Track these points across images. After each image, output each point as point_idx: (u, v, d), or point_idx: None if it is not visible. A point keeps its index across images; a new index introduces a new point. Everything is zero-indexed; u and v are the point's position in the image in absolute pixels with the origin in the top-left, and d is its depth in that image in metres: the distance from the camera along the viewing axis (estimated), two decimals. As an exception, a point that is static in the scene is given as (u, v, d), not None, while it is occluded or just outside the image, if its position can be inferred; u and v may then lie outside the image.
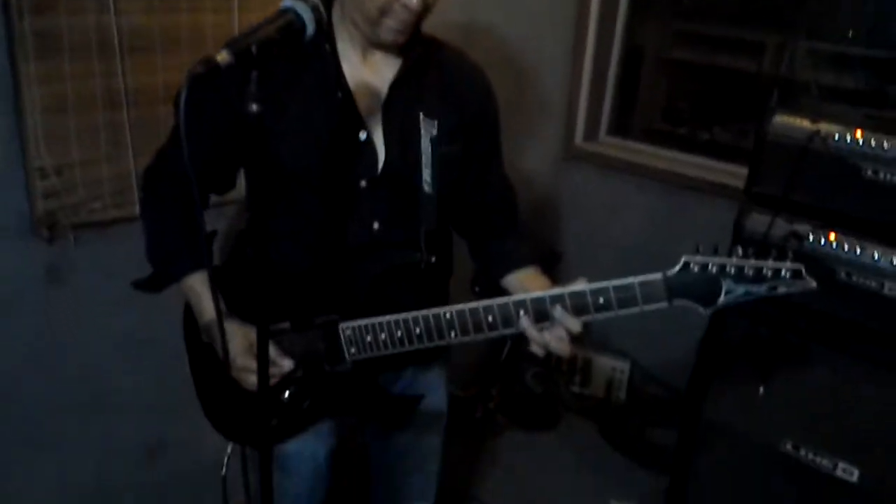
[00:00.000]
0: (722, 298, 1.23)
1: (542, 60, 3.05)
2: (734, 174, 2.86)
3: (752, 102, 3.15)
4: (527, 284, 1.50)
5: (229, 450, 1.59)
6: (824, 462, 2.24)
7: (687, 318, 2.63)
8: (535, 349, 1.34)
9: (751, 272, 1.21)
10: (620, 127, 3.43)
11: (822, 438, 2.24)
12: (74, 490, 2.13)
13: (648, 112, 3.50)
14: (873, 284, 2.06)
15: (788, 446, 2.30)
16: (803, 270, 1.20)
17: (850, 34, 2.86)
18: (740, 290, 1.22)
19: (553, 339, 1.31)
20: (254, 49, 0.97)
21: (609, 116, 3.38)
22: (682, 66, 3.41)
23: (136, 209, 1.94)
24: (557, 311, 1.29)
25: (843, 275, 2.10)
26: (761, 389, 2.29)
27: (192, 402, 2.18)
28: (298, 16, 1.04)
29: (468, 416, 3.21)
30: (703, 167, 3.05)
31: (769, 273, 1.21)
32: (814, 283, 1.21)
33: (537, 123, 3.15)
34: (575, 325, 1.30)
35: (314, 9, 1.05)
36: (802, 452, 2.28)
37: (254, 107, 0.97)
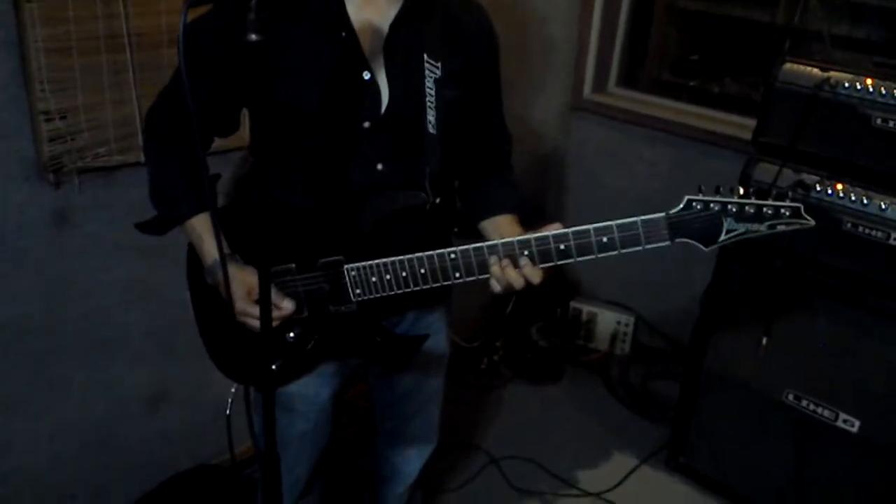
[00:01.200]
0: (723, 236, 1.23)
1: (551, 9, 3.01)
2: (744, 126, 2.83)
3: (764, 54, 3.10)
4: (501, 230, 1.51)
5: (233, 390, 1.61)
6: (825, 413, 2.26)
7: (691, 271, 2.67)
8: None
9: (751, 211, 1.21)
10: (630, 78, 3.39)
11: (823, 389, 2.26)
12: (83, 430, 2.17)
13: (659, 63, 3.45)
14: (879, 234, 2.05)
15: (790, 397, 2.32)
16: (802, 209, 1.21)
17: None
18: (741, 228, 1.22)
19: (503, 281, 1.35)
20: None
21: (618, 67, 3.34)
22: (694, 16, 3.35)
23: (141, 155, 1.94)
24: (560, 251, 1.30)
25: (848, 225, 2.10)
26: (764, 340, 2.30)
27: (196, 348, 2.21)
28: (298, -54, 1.02)
29: (473, 367, 3.24)
30: (712, 119, 3.02)
31: (769, 212, 1.21)
32: (812, 222, 1.21)
33: (546, 74, 3.12)
34: (534, 275, 1.34)
35: None
36: (804, 403, 2.30)
37: (253, 36, 0.97)
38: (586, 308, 3.42)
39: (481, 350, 3.30)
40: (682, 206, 1.25)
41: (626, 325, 3.38)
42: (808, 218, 1.22)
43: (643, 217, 1.26)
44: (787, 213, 1.22)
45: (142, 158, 1.94)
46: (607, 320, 3.40)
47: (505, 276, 1.34)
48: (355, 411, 2.39)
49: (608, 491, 2.65)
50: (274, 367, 1.48)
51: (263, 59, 1.01)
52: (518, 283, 1.35)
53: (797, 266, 2.20)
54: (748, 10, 3.19)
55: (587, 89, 3.27)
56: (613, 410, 3.09)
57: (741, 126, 2.86)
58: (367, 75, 1.38)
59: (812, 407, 2.28)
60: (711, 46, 3.41)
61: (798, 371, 2.30)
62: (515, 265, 1.34)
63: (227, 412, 1.59)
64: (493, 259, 1.34)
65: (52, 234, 1.92)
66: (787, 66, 2.16)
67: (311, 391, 1.60)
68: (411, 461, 1.89)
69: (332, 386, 1.63)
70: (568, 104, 3.28)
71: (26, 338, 1.96)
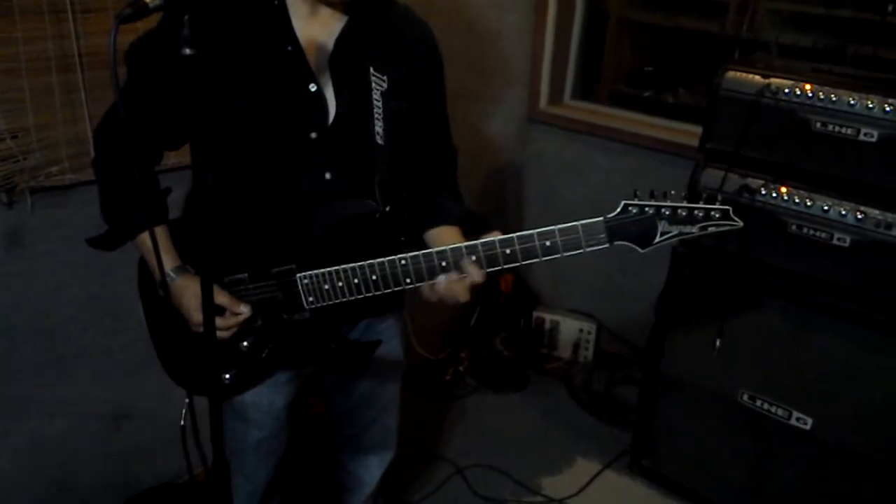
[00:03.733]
0: (657, 238, 1.28)
1: (505, 24, 3.06)
2: (697, 135, 2.88)
3: (715, 64, 3.18)
4: (444, 241, 1.53)
5: (187, 401, 1.61)
6: (779, 412, 2.31)
7: (649, 278, 2.71)
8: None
9: (683, 213, 1.26)
10: (585, 90, 3.46)
11: (776, 389, 2.31)
12: (44, 450, 2.15)
13: (613, 75, 3.52)
14: (823, 235, 2.11)
15: (745, 397, 2.37)
16: (731, 211, 1.26)
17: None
18: (674, 230, 1.27)
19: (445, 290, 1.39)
20: None
21: (573, 80, 3.40)
22: (646, 28, 3.42)
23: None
24: (506, 255, 1.33)
25: (794, 227, 2.15)
26: (717, 343, 2.35)
27: (156, 364, 2.20)
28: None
29: (439, 379, 3.27)
30: (665, 128, 3.09)
31: (700, 214, 1.26)
32: (740, 223, 1.27)
33: (501, 87, 3.17)
34: (478, 275, 1.36)
35: None
36: (758, 403, 2.35)
37: (187, 50, 0.99)
38: (549, 317, 3.46)
39: (446, 362, 3.33)
40: (618, 210, 1.29)
41: (589, 332, 3.42)
42: (737, 219, 1.27)
43: (583, 221, 1.30)
44: (717, 215, 1.27)
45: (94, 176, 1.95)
46: (570, 328, 3.44)
47: (452, 290, 1.38)
48: (316, 427, 2.39)
49: (572, 496, 2.68)
50: (228, 376, 1.50)
51: (201, 72, 1.03)
52: (464, 295, 1.38)
53: (747, 268, 2.26)
54: (699, 22, 3.26)
55: (543, 101, 3.32)
56: (577, 417, 3.12)
57: (694, 134, 2.89)
58: (313, 87, 1.41)
59: (766, 406, 2.33)
60: (664, 58, 3.48)
61: (752, 371, 2.35)
62: (461, 271, 1.36)
63: (182, 423, 1.59)
64: (441, 276, 1.37)
65: (5, 255, 1.92)
66: (730, 73, 2.22)
67: (265, 400, 1.61)
68: (371, 469, 1.90)
69: (286, 395, 1.64)
70: (525, 116, 3.33)
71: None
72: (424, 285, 1.39)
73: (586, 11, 3.31)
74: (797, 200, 2.13)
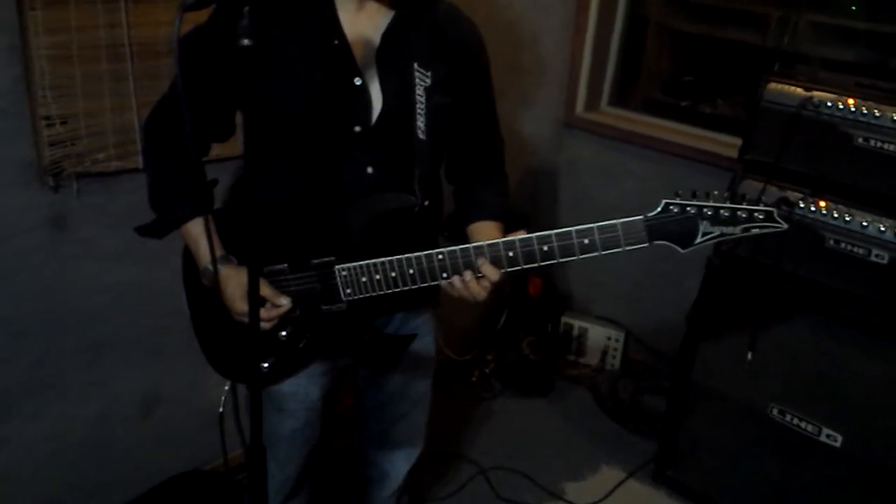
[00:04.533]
0: (699, 239, 1.27)
1: (545, 27, 3.07)
2: (733, 145, 2.85)
3: (755, 75, 3.16)
4: (484, 236, 1.54)
5: (227, 388, 1.64)
6: (809, 427, 2.29)
7: (680, 287, 2.70)
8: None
9: (726, 214, 1.26)
10: (622, 97, 3.45)
11: (807, 404, 2.29)
12: (77, 431, 2.19)
13: (651, 83, 3.51)
14: (861, 251, 2.09)
15: (775, 411, 2.35)
16: (775, 213, 1.25)
17: (853, 7, 2.87)
18: (716, 231, 1.27)
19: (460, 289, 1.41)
20: None
21: (611, 86, 3.40)
22: (687, 37, 3.41)
23: (139, 161, 1.99)
24: (544, 252, 1.34)
25: (831, 242, 2.14)
26: (749, 355, 2.33)
27: (189, 352, 2.23)
28: (290, -45, 1.08)
29: (464, 380, 3.27)
30: (702, 138, 3.07)
31: (743, 215, 1.25)
32: (785, 226, 1.25)
33: (539, 90, 3.18)
34: (493, 274, 1.38)
35: None
36: (788, 417, 2.32)
37: (245, 41, 1.01)
38: (577, 323, 3.45)
39: (473, 363, 3.33)
40: (659, 208, 1.29)
41: (617, 340, 3.41)
42: (781, 221, 1.26)
43: (622, 219, 1.30)
44: (761, 217, 1.26)
45: (139, 165, 1.98)
46: (598, 335, 3.43)
47: (468, 288, 1.40)
48: (344, 420, 2.41)
49: (595, 503, 2.67)
50: (266, 364, 1.53)
51: (255, 63, 1.05)
52: (480, 294, 1.40)
53: (782, 281, 2.24)
54: (739, 33, 3.24)
55: (580, 107, 3.32)
56: (602, 424, 3.11)
57: (730, 145, 2.91)
58: (358, 81, 1.43)
59: (796, 421, 2.31)
60: (704, 67, 3.47)
61: (782, 385, 2.33)
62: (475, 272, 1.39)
63: (220, 410, 1.61)
64: (454, 276, 1.40)
65: (50, 238, 1.96)
66: (772, 85, 2.21)
67: (301, 390, 1.64)
68: (398, 464, 1.92)
69: (321, 385, 1.67)
70: (560, 121, 3.34)
71: (22, 339, 1.99)
72: (443, 283, 1.40)
73: (627, 18, 3.31)
74: (836, 215, 2.12)
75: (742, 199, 1.27)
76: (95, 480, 2.27)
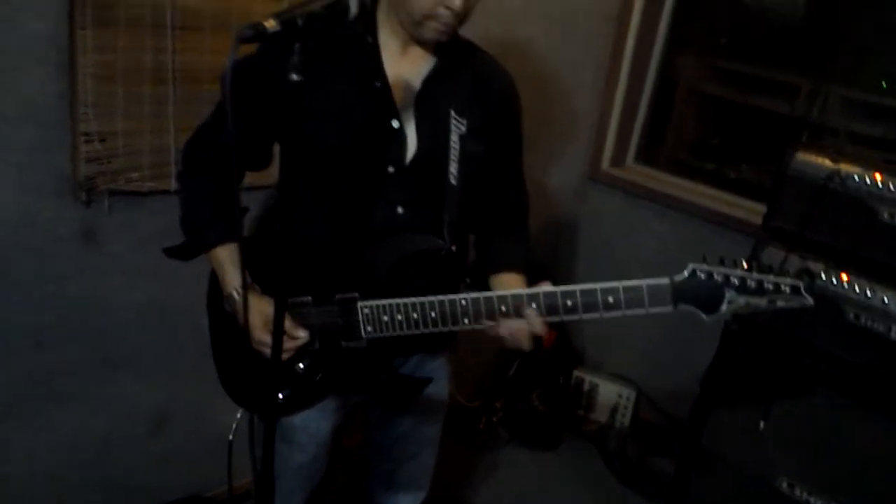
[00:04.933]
0: (724, 307, 1.27)
1: (577, 81, 3.12)
2: (756, 211, 2.87)
3: (781, 144, 3.17)
4: (507, 285, 1.55)
5: (238, 416, 1.64)
6: (818, 503, 2.25)
7: (695, 349, 2.69)
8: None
9: (753, 284, 1.26)
10: (648, 155, 3.47)
11: (817, 479, 2.25)
12: (83, 446, 2.19)
13: (677, 144, 3.53)
14: (881, 328, 2.07)
15: (784, 484, 2.31)
16: (802, 287, 1.25)
17: (884, 85, 2.90)
18: (741, 300, 1.26)
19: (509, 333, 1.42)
20: (300, 21, 1.04)
21: (638, 144, 3.42)
22: (715, 101, 3.44)
23: (172, 183, 2.02)
24: (567, 307, 1.35)
25: (851, 316, 2.12)
26: (762, 425, 2.30)
27: (202, 376, 2.23)
28: (344, -4, 1.11)
29: (472, 427, 3.25)
30: (726, 202, 3.08)
31: (770, 287, 1.26)
32: (811, 301, 1.25)
33: (566, 143, 3.21)
34: (538, 325, 1.39)
35: None
36: (797, 492, 2.28)
37: (294, 76, 1.04)
38: (589, 378, 3.43)
39: (481, 410, 3.31)
40: (686, 273, 1.29)
41: (628, 398, 3.38)
42: (808, 296, 1.26)
43: (648, 281, 1.31)
44: (788, 290, 1.26)
45: (172, 187, 2.02)
46: (609, 392, 3.40)
47: (515, 336, 1.41)
48: (351, 457, 2.39)
49: (596, 563, 2.63)
50: (281, 395, 1.53)
51: (300, 98, 1.08)
52: (526, 343, 1.41)
53: (799, 352, 2.22)
54: (769, 101, 3.27)
55: (606, 162, 3.35)
56: (608, 483, 3.07)
57: (753, 211, 2.92)
58: (395, 123, 1.46)
59: (805, 496, 2.27)
60: (730, 132, 3.49)
61: (794, 458, 2.29)
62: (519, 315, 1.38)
63: (231, 437, 1.62)
64: (505, 321, 1.40)
65: (78, 251, 1.99)
66: (800, 154, 2.22)
67: (312, 424, 1.63)
68: (402, 507, 1.90)
69: (333, 420, 1.66)
70: (586, 174, 3.36)
71: (40, 348, 2.01)
72: (488, 324, 1.41)
73: (657, 78, 3.34)
74: (857, 289, 2.10)
75: (769, 271, 1.27)
76: (94, 497, 2.26)
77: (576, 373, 3.45)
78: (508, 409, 3.32)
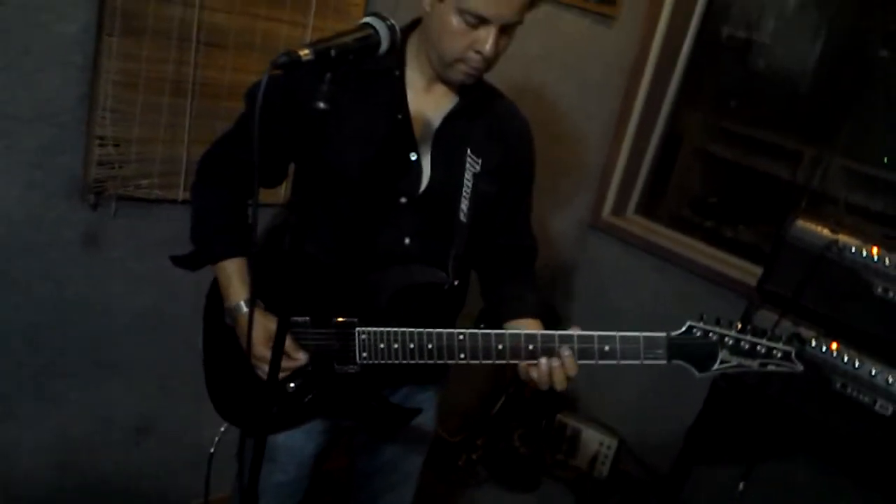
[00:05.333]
0: (716, 366, 1.30)
1: (586, 129, 3.16)
2: (750, 273, 2.92)
3: (780, 208, 3.22)
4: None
5: (223, 429, 1.64)
6: (792, 570, 2.25)
7: (681, 404, 2.70)
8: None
9: (746, 346, 1.29)
10: (649, 208, 3.51)
11: (794, 545, 2.25)
12: (63, 449, 2.18)
13: (678, 199, 3.58)
14: (866, 399, 2.09)
15: (760, 546, 2.31)
16: (793, 353, 1.28)
17: (885, 160, 2.95)
18: (734, 361, 1.29)
19: (544, 374, 1.41)
20: (333, 52, 1.07)
21: (640, 195, 3.47)
22: (718, 160, 3.49)
23: (181, 193, 2.05)
24: (565, 351, 1.36)
25: (838, 385, 2.14)
26: (741, 485, 2.31)
27: (190, 388, 2.22)
28: (376, 32, 1.15)
29: (451, 462, 3.23)
30: (721, 260, 3.11)
31: (762, 350, 1.29)
32: (801, 367, 1.29)
33: (570, 189, 3.25)
34: (573, 367, 1.37)
35: (391, 29, 1.16)
36: (773, 555, 2.28)
37: (321, 104, 1.07)
38: (572, 423, 3.43)
39: (461, 446, 3.30)
40: (683, 329, 1.32)
41: (609, 447, 3.37)
42: (797, 363, 1.29)
43: (646, 333, 1.33)
44: (779, 355, 1.29)
45: (180, 197, 2.04)
46: (591, 439, 3.40)
47: (552, 375, 1.43)
48: (332, 480, 2.38)
49: None
50: (275, 409, 1.53)
51: (324, 126, 1.10)
52: (561, 383, 1.43)
53: (785, 416, 2.24)
54: (771, 165, 3.32)
55: (607, 211, 3.39)
56: (583, 531, 3.06)
57: (747, 271, 2.95)
58: (413, 156, 1.49)
59: (780, 561, 2.27)
60: (731, 192, 3.54)
61: (771, 521, 2.30)
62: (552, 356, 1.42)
63: (212, 450, 1.61)
64: (543, 359, 1.42)
65: (80, 253, 2.00)
66: (800, 222, 2.25)
67: (296, 445, 1.63)
68: (378, 536, 1.89)
69: (317, 443, 1.66)
70: (587, 221, 3.40)
71: (31, 347, 2.01)
72: (523, 364, 1.43)
73: (664, 133, 3.39)
74: (846, 359, 2.13)
75: (762, 335, 1.30)
76: (70, 500, 2.25)
77: (559, 417, 3.45)
78: (489, 448, 3.32)
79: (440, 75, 1.49)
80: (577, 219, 3.37)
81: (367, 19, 1.16)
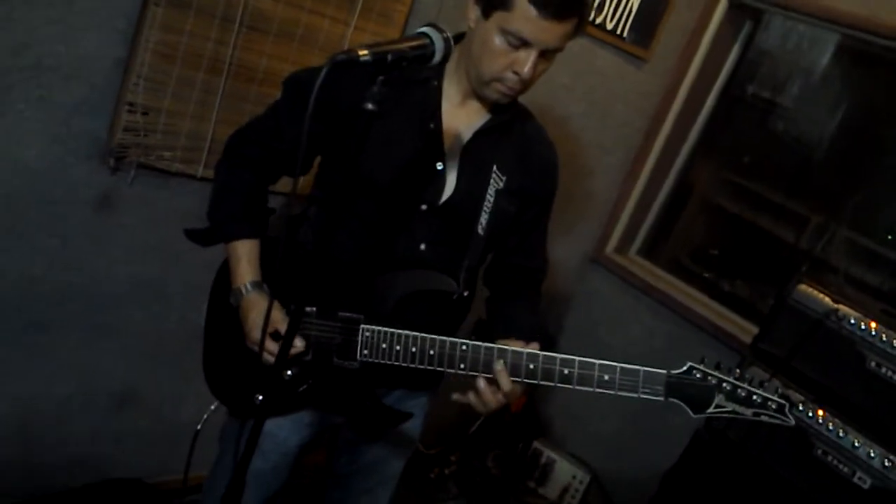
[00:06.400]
0: (711, 409, 1.32)
1: (602, 165, 3.20)
2: (744, 328, 2.96)
3: (780, 269, 3.25)
4: None
5: (213, 408, 1.65)
6: None
7: (660, 447, 2.71)
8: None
9: (743, 394, 1.31)
10: (651, 250, 3.54)
11: None
12: (44, 405, 2.18)
13: (681, 246, 3.61)
14: (846, 470, 2.11)
15: None
16: (787, 407, 1.30)
17: (889, 237, 2.99)
18: (729, 406, 1.32)
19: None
20: (389, 57, 1.10)
21: (644, 237, 3.50)
22: (725, 214, 3.53)
23: (200, 170, 2.06)
24: (563, 375, 1.38)
25: (820, 451, 2.16)
26: (711, 538, 2.32)
27: (178, 364, 2.23)
28: (432, 42, 1.17)
29: (422, 473, 3.23)
30: (716, 312, 3.14)
31: (757, 400, 1.32)
32: (792, 421, 1.31)
33: (578, 221, 3.27)
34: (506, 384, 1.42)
35: (446, 41, 1.19)
36: None
37: (370, 105, 1.09)
38: (548, 452, 3.43)
39: (435, 459, 3.30)
40: (683, 369, 1.34)
41: (581, 481, 3.37)
42: (790, 416, 1.32)
43: (646, 368, 1.35)
44: (774, 407, 1.31)
45: (199, 173, 2.05)
46: (564, 470, 3.40)
47: (480, 397, 1.45)
48: (308, 473, 2.38)
49: None
50: (260, 397, 1.54)
51: (367, 126, 1.13)
52: (490, 402, 1.44)
53: (762, 474, 2.25)
54: (777, 226, 3.36)
55: (610, 247, 3.41)
56: (544, 561, 3.06)
57: (741, 327, 2.98)
58: (440, 166, 1.51)
59: None
60: (734, 246, 3.57)
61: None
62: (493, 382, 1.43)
63: (198, 427, 1.62)
64: (498, 364, 1.41)
65: (91, 214, 2.01)
66: (802, 286, 2.28)
67: (281, 433, 1.64)
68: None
69: (302, 435, 1.67)
70: (589, 255, 3.42)
71: (27, 299, 2.01)
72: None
73: (676, 179, 3.43)
74: (830, 427, 2.15)
75: (760, 385, 1.32)
76: (42, 454, 2.24)
77: (536, 443, 3.45)
78: (462, 465, 3.32)
79: (476, 91, 1.51)
80: (581, 250, 3.39)
81: (425, 29, 1.19)
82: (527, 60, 1.40)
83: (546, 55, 1.43)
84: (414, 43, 1.16)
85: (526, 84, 1.45)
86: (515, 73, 1.41)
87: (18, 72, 1.76)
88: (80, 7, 1.78)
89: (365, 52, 1.08)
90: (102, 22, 1.82)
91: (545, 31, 1.38)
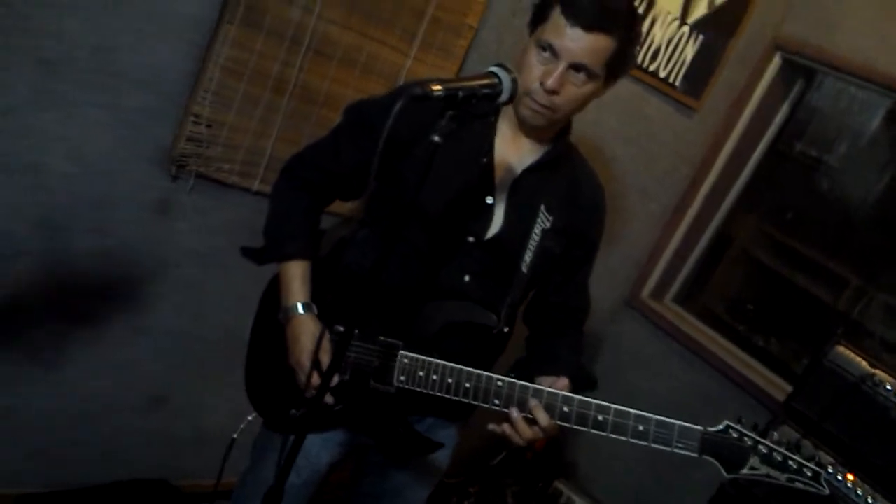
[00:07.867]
0: (745, 470, 1.32)
1: (643, 210, 3.21)
2: (775, 385, 2.93)
3: (814, 329, 3.22)
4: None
5: (250, 418, 1.68)
6: None
7: (677, 498, 2.69)
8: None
9: (778, 458, 1.31)
10: (687, 298, 3.53)
11: None
12: (75, 401, 2.22)
13: (716, 297, 3.60)
14: (872, 536, 2.09)
15: None
16: (822, 476, 1.29)
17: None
18: (763, 469, 1.31)
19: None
20: (461, 94, 1.14)
21: (681, 285, 3.49)
22: (763, 268, 3.52)
23: (256, 184, 2.12)
24: (597, 421, 1.39)
25: (847, 517, 2.14)
26: None
27: (214, 373, 2.25)
28: (500, 82, 1.21)
29: (441, 501, 3.23)
30: (748, 366, 3.11)
31: (793, 466, 1.31)
32: (827, 491, 1.31)
33: (616, 263, 3.28)
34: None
35: (514, 82, 1.22)
36: None
37: (436, 138, 1.13)
38: (567, 493, 3.41)
39: (455, 489, 3.30)
40: (720, 427, 1.34)
41: (597, 526, 3.35)
42: (824, 486, 1.31)
43: (682, 423, 1.35)
44: (809, 474, 1.31)
45: (255, 188, 2.11)
46: (581, 511, 3.38)
47: (515, 427, 1.46)
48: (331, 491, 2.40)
49: None
50: (297, 412, 1.57)
51: (429, 157, 1.16)
52: (525, 434, 1.45)
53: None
54: (814, 285, 3.34)
55: (646, 292, 3.41)
56: None
57: (772, 383, 2.96)
58: (489, 200, 1.54)
59: None
60: (769, 302, 3.55)
61: None
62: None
63: (235, 436, 1.65)
64: (533, 401, 1.43)
65: (147, 218, 2.07)
66: (840, 348, 2.27)
67: (314, 449, 1.66)
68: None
69: (333, 453, 1.69)
70: (624, 297, 3.42)
71: (71, 294, 2.05)
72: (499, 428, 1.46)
73: (717, 229, 3.43)
74: (860, 493, 2.12)
75: (796, 450, 1.32)
76: (66, 453, 2.28)
77: (556, 483, 3.44)
78: (481, 498, 3.31)
79: (516, 115, 1.53)
80: (616, 292, 3.40)
81: (495, 69, 1.23)
82: (553, 72, 1.42)
83: (577, 73, 1.43)
84: (484, 81, 1.20)
85: (554, 104, 1.45)
86: (540, 82, 1.43)
87: (94, 73, 1.83)
88: (158, 18, 1.85)
89: (439, 87, 1.12)
90: (177, 35, 1.89)
91: (573, 41, 1.40)
